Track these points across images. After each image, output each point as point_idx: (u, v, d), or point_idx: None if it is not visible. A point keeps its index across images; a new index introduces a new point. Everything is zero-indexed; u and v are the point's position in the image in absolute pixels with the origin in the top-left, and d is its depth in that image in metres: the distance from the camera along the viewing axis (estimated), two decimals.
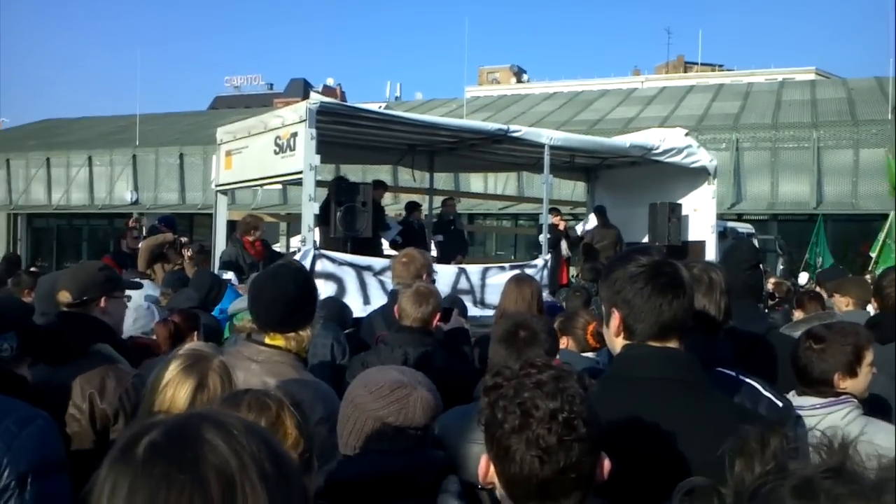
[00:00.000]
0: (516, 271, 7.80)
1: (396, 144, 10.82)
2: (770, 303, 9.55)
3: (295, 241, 11.73)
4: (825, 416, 2.81)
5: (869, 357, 2.91)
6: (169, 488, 0.87)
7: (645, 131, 11.70)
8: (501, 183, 22.69)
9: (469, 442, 2.29)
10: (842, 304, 5.38)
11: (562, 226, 11.89)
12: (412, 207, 11.72)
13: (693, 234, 10.88)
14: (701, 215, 10.87)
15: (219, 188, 9.75)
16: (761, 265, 3.74)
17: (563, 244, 11.82)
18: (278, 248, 12.42)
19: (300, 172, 7.62)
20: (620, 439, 1.65)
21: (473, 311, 7.43)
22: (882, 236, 15.92)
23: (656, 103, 30.42)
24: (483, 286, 8.46)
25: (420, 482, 1.83)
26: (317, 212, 7.65)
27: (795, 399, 2.88)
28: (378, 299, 6.99)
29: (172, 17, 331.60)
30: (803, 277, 15.25)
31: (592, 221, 11.60)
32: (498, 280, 7.90)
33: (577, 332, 4.26)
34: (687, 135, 10.92)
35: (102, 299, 3.36)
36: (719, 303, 2.57)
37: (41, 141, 33.79)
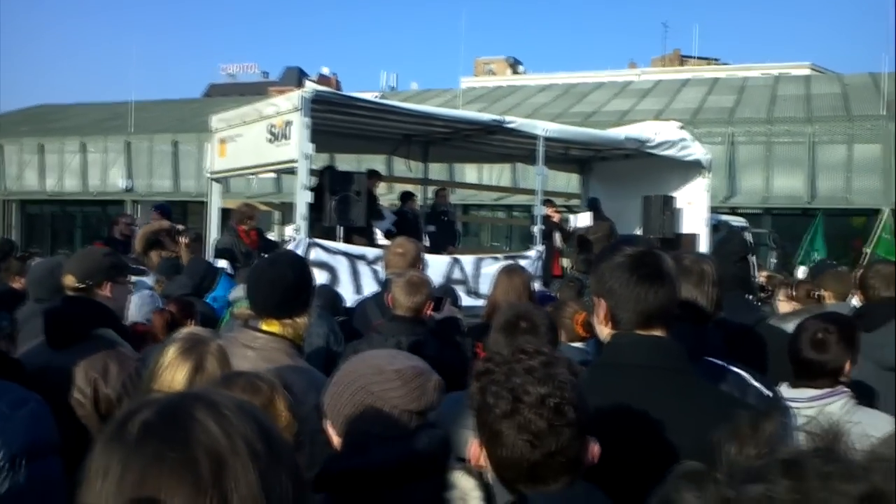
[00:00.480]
0: (510, 262, 7.81)
1: (391, 134, 10.81)
2: (762, 295, 9.59)
3: (289, 230, 11.72)
4: (823, 408, 2.84)
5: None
6: (160, 467, 0.88)
7: (640, 124, 11.71)
8: (496, 174, 22.67)
9: (463, 427, 2.31)
10: (825, 298, 5.44)
11: (556, 217, 11.90)
12: (406, 197, 11.72)
13: (686, 227, 10.89)
14: (694, 208, 10.89)
15: (213, 176, 9.74)
16: (755, 258, 3.77)
17: (557, 235, 11.83)
18: (272, 236, 12.42)
19: (294, 161, 7.62)
20: (608, 424, 1.68)
21: (467, 300, 7.44)
22: (877, 230, 15.96)
23: (651, 96, 30.42)
24: (477, 276, 8.47)
25: (435, 464, 1.82)
26: (310, 200, 7.66)
27: (789, 391, 2.90)
28: (370, 288, 7.00)
29: (168, 4, 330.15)
30: (802, 271, 15.29)
31: (585, 219, 11.58)
32: (491, 270, 7.87)
33: (566, 321, 4.28)
34: (681, 128, 10.94)
35: (107, 284, 3.38)
36: (709, 294, 2.59)
37: (35, 127, 33.63)
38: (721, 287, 2.66)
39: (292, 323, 2.84)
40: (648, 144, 10.26)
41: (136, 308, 4.68)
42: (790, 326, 4.01)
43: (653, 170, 11.00)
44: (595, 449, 1.56)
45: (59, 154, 31.18)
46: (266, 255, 5.28)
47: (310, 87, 7.92)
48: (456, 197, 17.10)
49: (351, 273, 7.63)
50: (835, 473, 0.75)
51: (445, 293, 5.48)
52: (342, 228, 8.60)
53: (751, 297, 4.55)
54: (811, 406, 2.83)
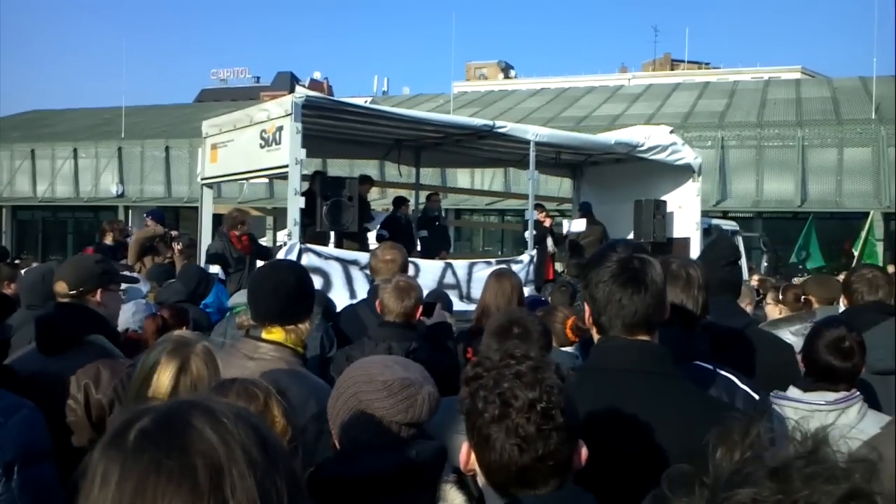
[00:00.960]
0: (501, 266, 7.83)
1: (383, 139, 10.80)
2: (755, 299, 9.61)
3: (281, 236, 11.72)
4: (843, 412, 2.86)
5: None
6: (158, 475, 0.89)
7: (630, 128, 11.73)
8: (488, 179, 22.71)
9: (455, 433, 2.32)
10: (812, 303, 5.50)
11: (547, 222, 11.93)
12: (399, 202, 11.71)
13: (678, 231, 10.92)
14: (686, 212, 10.93)
15: (204, 181, 9.73)
16: (745, 262, 3.79)
17: (549, 240, 11.86)
18: (265, 242, 12.40)
19: (286, 166, 7.61)
20: (595, 428, 1.70)
21: (459, 305, 7.44)
22: (864, 234, 16.03)
23: (643, 101, 30.54)
24: (469, 281, 8.48)
25: (425, 475, 1.83)
26: (302, 206, 7.67)
27: (804, 395, 2.92)
28: (364, 294, 6.99)
29: (159, 8, 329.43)
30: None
31: (578, 223, 11.60)
32: (484, 275, 7.88)
33: (556, 326, 4.30)
34: (672, 132, 10.97)
35: (98, 291, 3.39)
36: (697, 298, 2.62)
37: (26, 132, 33.52)
38: (708, 291, 2.69)
39: (295, 329, 2.82)
40: (639, 149, 10.29)
41: (130, 315, 4.68)
42: (784, 332, 4.05)
43: (644, 174, 11.04)
44: (584, 452, 1.58)
45: (51, 160, 31.08)
46: (264, 262, 5.28)
47: (301, 92, 7.92)
48: (448, 201, 17.14)
49: (344, 278, 7.63)
50: (818, 475, 0.78)
51: (438, 298, 5.50)
52: (334, 233, 8.61)
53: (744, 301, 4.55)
54: (833, 409, 2.85)
